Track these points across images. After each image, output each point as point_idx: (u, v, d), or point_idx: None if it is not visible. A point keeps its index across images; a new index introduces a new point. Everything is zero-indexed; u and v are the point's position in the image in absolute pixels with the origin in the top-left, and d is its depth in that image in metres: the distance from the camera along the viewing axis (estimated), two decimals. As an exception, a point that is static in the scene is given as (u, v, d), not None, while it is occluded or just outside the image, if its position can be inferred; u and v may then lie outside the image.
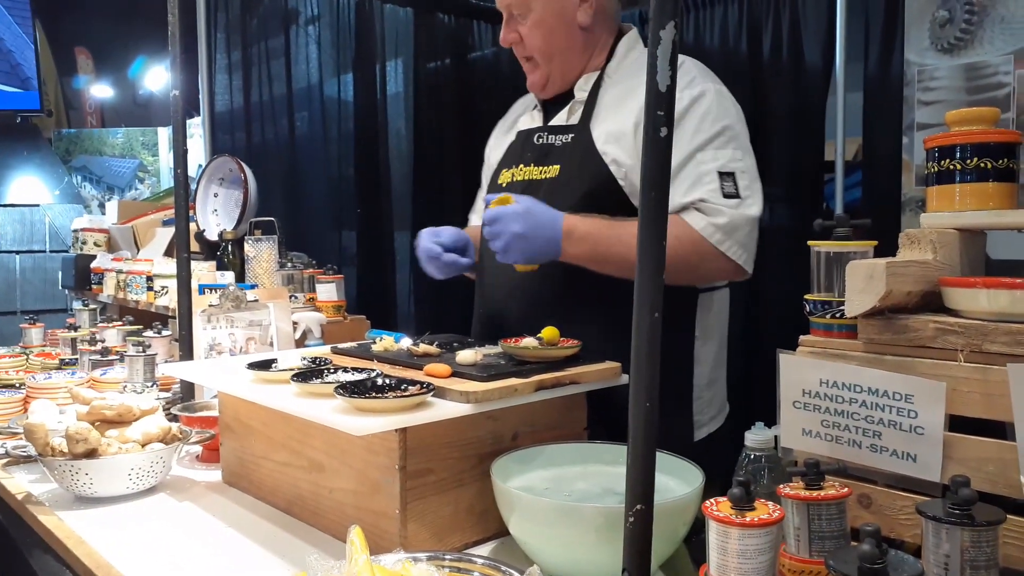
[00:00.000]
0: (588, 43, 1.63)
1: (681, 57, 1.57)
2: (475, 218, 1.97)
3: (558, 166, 1.59)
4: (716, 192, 1.44)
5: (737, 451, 1.08)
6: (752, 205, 1.47)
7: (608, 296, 1.46)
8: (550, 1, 1.59)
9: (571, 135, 1.60)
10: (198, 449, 1.68)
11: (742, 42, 3.11)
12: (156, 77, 6.34)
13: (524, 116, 1.79)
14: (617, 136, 1.53)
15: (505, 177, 1.72)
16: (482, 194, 1.92)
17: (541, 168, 1.62)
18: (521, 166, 1.68)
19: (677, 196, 1.45)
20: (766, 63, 3.04)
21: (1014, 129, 2.51)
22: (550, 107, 1.72)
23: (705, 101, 1.49)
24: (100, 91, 6.56)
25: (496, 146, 1.86)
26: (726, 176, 1.45)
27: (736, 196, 1.45)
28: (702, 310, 1.63)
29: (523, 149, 1.70)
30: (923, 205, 2.66)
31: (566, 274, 1.52)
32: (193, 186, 2.76)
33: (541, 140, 1.66)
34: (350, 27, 3.52)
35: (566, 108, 1.66)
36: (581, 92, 1.63)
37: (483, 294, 1.76)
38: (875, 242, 1.05)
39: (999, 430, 0.92)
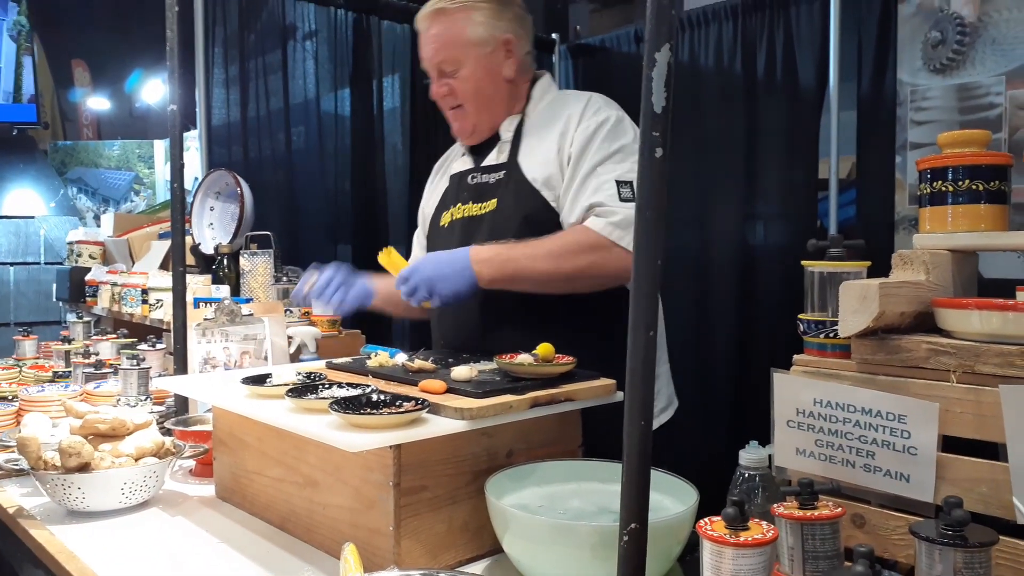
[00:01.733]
0: (511, 93, 1.80)
1: (587, 93, 1.76)
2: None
3: (495, 200, 1.73)
4: (613, 197, 1.59)
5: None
6: None
7: (565, 317, 1.62)
8: (480, 58, 1.74)
9: (503, 171, 1.75)
10: (191, 464, 1.68)
11: (736, 61, 3.13)
12: (153, 90, 6.35)
13: (456, 162, 1.91)
14: (543, 163, 1.68)
15: (446, 218, 1.85)
16: (418, 239, 2.05)
17: (480, 204, 1.76)
18: (459, 205, 1.81)
19: (581, 204, 1.62)
20: (760, 82, 3.06)
21: (1005, 150, 2.54)
22: (478, 151, 1.84)
23: (607, 125, 1.66)
24: (97, 103, 6.57)
25: (431, 194, 1.99)
26: (624, 184, 1.60)
27: (633, 200, 1.57)
28: None
29: (458, 190, 1.84)
30: (916, 224, 2.68)
31: (513, 296, 1.62)
32: (189, 199, 2.76)
33: (475, 180, 1.80)
34: (347, 42, 3.53)
35: (495, 149, 1.80)
36: (507, 133, 1.78)
37: (440, 320, 1.85)
38: (869, 263, 1.06)
39: (991, 451, 0.92)
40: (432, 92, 1.80)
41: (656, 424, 1.77)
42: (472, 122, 1.79)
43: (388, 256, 1.70)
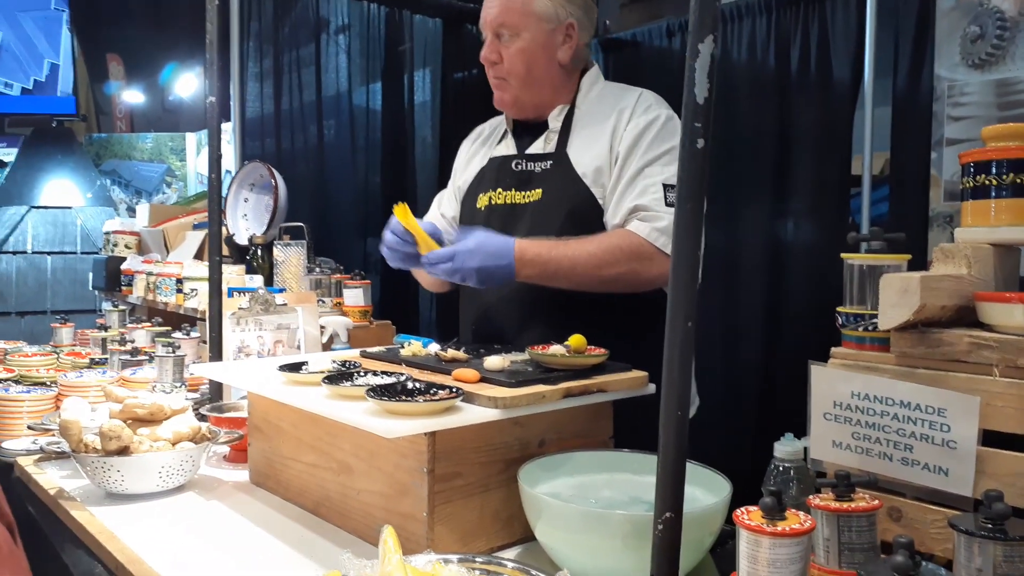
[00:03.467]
0: (562, 79, 1.75)
1: (638, 89, 1.73)
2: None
3: (540, 190, 1.70)
4: (659, 201, 1.57)
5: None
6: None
7: (596, 305, 1.59)
8: (538, 33, 1.70)
9: (550, 162, 1.71)
10: (225, 449, 1.71)
11: (770, 55, 3.11)
12: (186, 83, 6.44)
13: (497, 144, 1.87)
14: (593, 157, 1.66)
15: (483, 200, 1.81)
16: (440, 200, 1.99)
17: (523, 193, 1.73)
18: (500, 190, 1.77)
19: (625, 205, 1.60)
20: (794, 76, 3.03)
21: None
22: (523, 135, 1.81)
23: (657, 124, 1.64)
24: (131, 96, 6.68)
25: (468, 164, 1.93)
26: (671, 188, 1.57)
27: None
28: None
29: (500, 174, 1.79)
30: (951, 221, 2.65)
31: (550, 291, 1.60)
32: (224, 191, 2.79)
33: (520, 167, 1.76)
34: (380, 37, 3.56)
35: (541, 137, 1.76)
36: (555, 122, 1.74)
37: (470, 305, 1.84)
38: (909, 256, 1.05)
39: (1033, 446, 0.91)
40: (482, 54, 1.76)
41: None
42: (513, 95, 1.75)
43: (405, 213, 1.62)
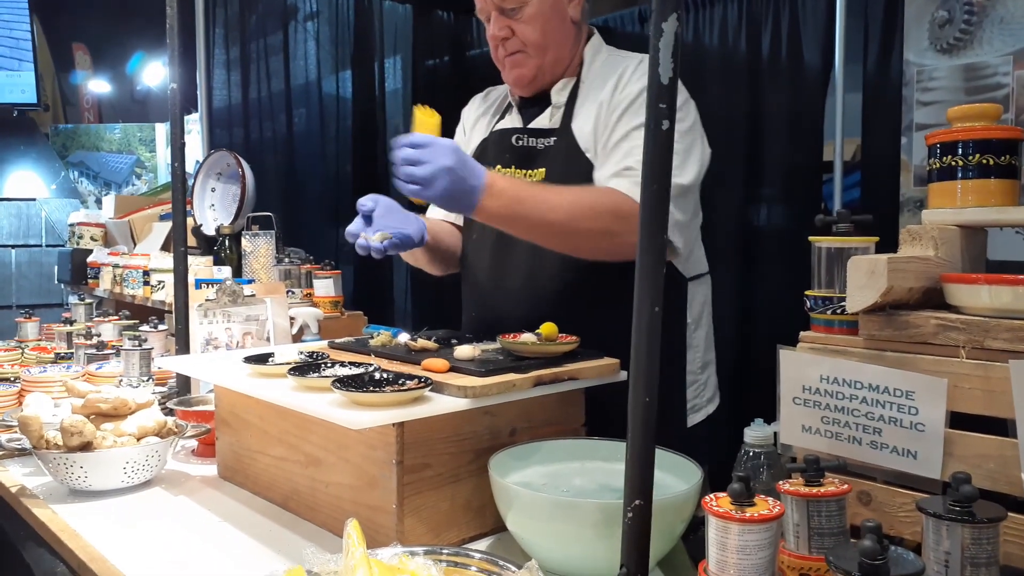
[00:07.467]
0: (576, 38, 1.68)
1: (639, 55, 1.64)
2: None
3: (543, 169, 1.63)
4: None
5: (731, 437, 1.08)
6: (679, 175, 1.47)
7: (601, 296, 1.53)
8: None
9: (553, 138, 1.64)
10: (194, 443, 1.68)
11: (741, 42, 3.10)
12: (154, 73, 6.32)
13: (502, 118, 1.79)
14: (593, 128, 1.59)
15: None
16: None
17: (526, 171, 1.66)
18: (499, 167, 1.69)
19: (609, 167, 1.53)
20: (765, 63, 3.03)
21: (1013, 130, 2.51)
22: (527, 109, 1.74)
23: None
24: (98, 86, 6.54)
25: (473, 129, 1.85)
26: None
27: None
28: (691, 297, 1.71)
29: (499, 149, 1.72)
30: (921, 205, 2.66)
31: (559, 274, 1.57)
32: (191, 181, 2.75)
33: (521, 142, 1.68)
34: (349, 24, 3.52)
35: (545, 112, 1.68)
36: (559, 96, 1.67)
37: (472, 295, 1.79)
38: (876, 238, 1.04)
39: (1000, 427, 0.91)
40: (490, 34, 1.67)
41: (703, 416, 1.75)
42: (535, 65, 1.64)
43: (424, 114, 1.50)
